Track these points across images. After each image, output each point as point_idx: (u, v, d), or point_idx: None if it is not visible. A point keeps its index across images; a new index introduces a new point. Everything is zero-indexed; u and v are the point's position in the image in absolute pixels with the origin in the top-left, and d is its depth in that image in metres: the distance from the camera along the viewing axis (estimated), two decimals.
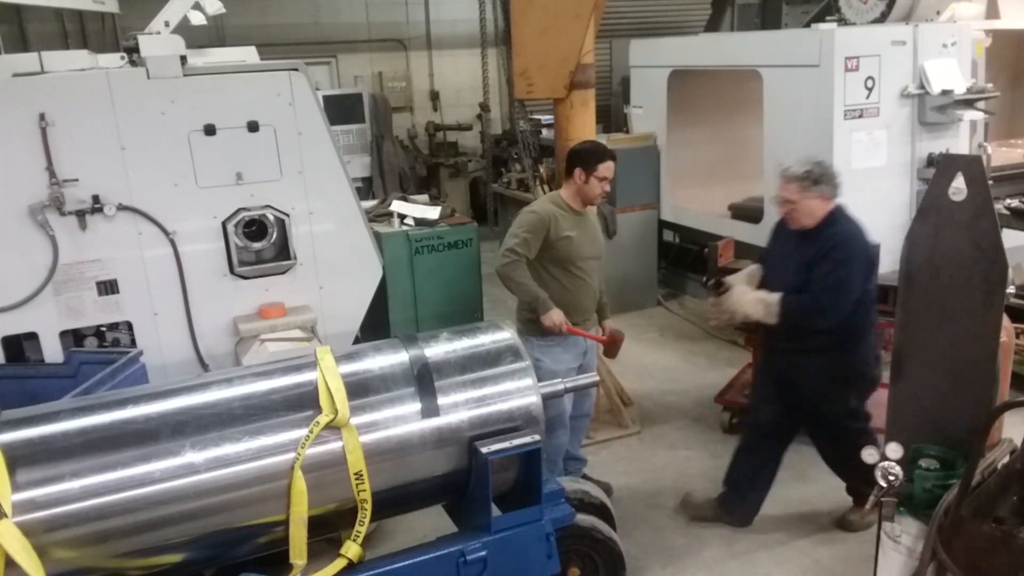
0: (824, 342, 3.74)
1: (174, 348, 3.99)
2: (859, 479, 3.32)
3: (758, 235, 6.30)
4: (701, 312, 7.03)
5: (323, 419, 2.61)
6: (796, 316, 3.72)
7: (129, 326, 3.95)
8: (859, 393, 3.90)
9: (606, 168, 4.08)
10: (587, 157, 4.09)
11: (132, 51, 3.87)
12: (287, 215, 4.07)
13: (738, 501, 4.19)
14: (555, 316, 3.95)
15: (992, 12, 6.53)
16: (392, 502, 2.84)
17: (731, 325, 4.02)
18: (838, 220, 3.72)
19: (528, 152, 5.73)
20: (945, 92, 5.54)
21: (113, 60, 3.98)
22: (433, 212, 5.74)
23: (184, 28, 3.94)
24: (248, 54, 4.25)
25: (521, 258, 3.98)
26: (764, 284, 3.96)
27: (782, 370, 3.98)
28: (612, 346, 4.34)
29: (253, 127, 3.94)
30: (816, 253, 3.68)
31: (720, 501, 4.23)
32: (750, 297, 3.82)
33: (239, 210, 3.99)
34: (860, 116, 5.53)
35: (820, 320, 3.68)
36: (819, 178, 3.65)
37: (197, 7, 4.03)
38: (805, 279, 3.70)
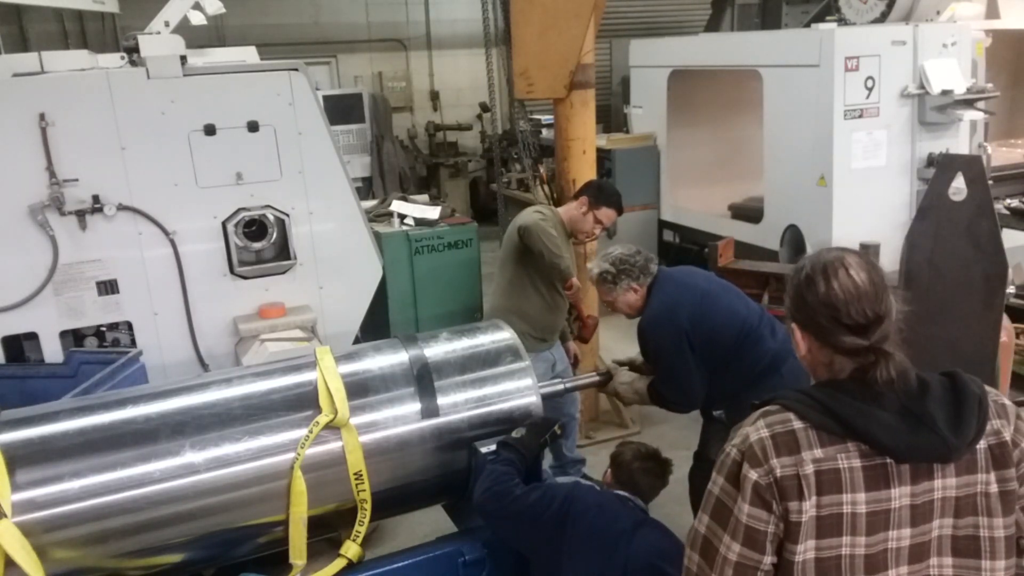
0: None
1: (174, 348, 3.99)
2: None
3: (758, 235, 6.31)
4: None
5: (323, 419, 2.60)
6: (660, 405, 3.51)
7: (129, 326, 3.95)
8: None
9: (608, 215, 4.17)
10: (601, 194, 4.18)
11: (132, 51, 3.87)
12: (287, 215, 4.07)
13: None
14: (576, 281, 4.06)
15: (992, 12, 6.53)
16: (392, 502, 2.84)
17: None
18: (649, 304, 3.43)
19: (528, 152, 5.74)
20: (945, 92, 5.54)
21: (113, 60, 3.98)
22: (433, 212, 5.75)
23: (184, 28, 3.95)
24: (248, 54, 4.26)
25: (549, 219, 4.05)
26: None
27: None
28: (587, 329, 4.40)
29: (253, 127, 3.94)
30: (644, 343, 3.46)
31: None
32: (626, 382, 3.59)
33: (239, 210, 3.99)
34: (860, 116, 5.53)
35: (677, 409, 3.53)
36: (617, 276, 3.41)
37: (197, 7, 4.03)
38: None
